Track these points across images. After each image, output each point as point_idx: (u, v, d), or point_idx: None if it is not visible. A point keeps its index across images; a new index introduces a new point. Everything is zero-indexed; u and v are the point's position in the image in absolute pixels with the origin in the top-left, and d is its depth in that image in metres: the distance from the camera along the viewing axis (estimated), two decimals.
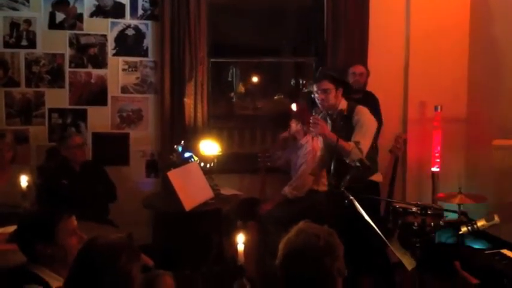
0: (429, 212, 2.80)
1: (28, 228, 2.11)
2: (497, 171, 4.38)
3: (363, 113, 3.58)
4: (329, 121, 3.65)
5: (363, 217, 2.62)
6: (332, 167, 3.50)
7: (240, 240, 2.28)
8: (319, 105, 3.63)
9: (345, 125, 3.55)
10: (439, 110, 4.67)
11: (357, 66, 4.59)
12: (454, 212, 3.12)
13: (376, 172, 3.73)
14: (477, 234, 2.59)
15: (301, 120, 4.30)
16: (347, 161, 3.44)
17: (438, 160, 4.69)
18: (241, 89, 5.73)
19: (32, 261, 2.07)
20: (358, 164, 3.04)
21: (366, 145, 3.49)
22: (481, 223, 2.53)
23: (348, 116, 3.57)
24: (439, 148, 4.69)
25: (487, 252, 3.01)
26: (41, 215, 2.15)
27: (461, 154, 5.04)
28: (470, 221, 2.57)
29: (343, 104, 3.61)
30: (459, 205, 3.76)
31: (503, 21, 4.59)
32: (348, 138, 3.47)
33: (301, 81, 5.65)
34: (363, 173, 3.29)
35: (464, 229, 2.55)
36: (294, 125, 4.34)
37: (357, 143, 3.45)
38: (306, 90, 3.54)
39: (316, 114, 3.64)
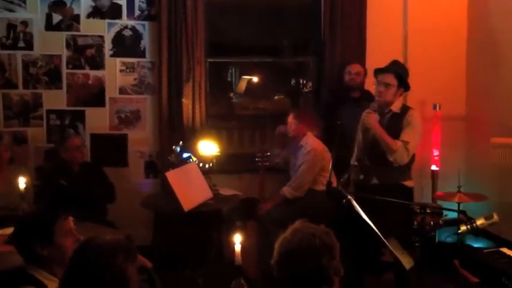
0: (428, 211, 2.79)
1: (24, 229, 2.10)
2: (496, 170, 4.38)
3: (417, 116, 3.54)
4: (378, 116, 3.58)
5: (361, 216, 2.61)
6: (365, 165, 3.51)
7: (237, 240, 2.26)
8: (376, 97, 3.55)
9: (392, 123, 3.50)
10: (437, 108, 4.67)
11: (354, 65, 4.59)
12: (454, 210, 3.11)
13: (409, 178, 3.64)
14: (476, 232, 2.58)
15: (303, 122, 4.28)
16: (389, 159, 3.42)
17: (437, 158, 4.68)
18: (240, 88, 5.72)
19: (29, 263, 2.06)
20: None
21: (413, 147, 3.45)
22: (480, 222, 2.52)
23: (399, 115, 3.51)
24: (438, 147, 4.69)
25: (486, 250, 3.01)
26: (37, 216, 2.14)
27: (461, 152, 5.04)
28: (469, 220, 2.56)
29: (397, 104, 3.55)
30: (458, 204, 3.75)
31: (501, 18, 4.58)
32: (393, 137, 3.42)
33: (301, 81, 5.65)
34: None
35: (463, 228, 2.54)
36: (294, 125, 4.31)
37: (405, 143, 3.40)
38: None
39: (370, 107, 3.56)
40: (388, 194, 3.04)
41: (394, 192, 3.29)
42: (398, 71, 3.50)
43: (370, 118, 3.47)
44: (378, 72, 3.55)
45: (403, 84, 3.53)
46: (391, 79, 3.48)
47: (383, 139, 3.41)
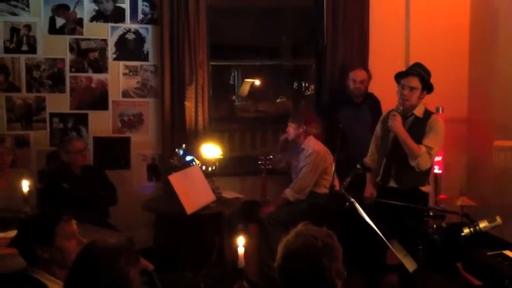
0: (431, 214, 2.79)
1: (27, 232, 2.11)
2: (498, 173, 4.36)
3: (440, 121, 3.50)
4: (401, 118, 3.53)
5: (364, 219, 2.60)
6: (383, 168, 3.51)
7: (240, 243, 2.26)
8: (400, 101, 3.48)
9: (414, 128, 3.46)
10: (440, 111, 4.66)
11: (358, 72, 4.52)
12: (456, 213, 3.11)
13: (427, 183, 3.61)
14: (479, 235, 2.57)
15: (304, 122, 4.27)
16: (411, 164, 3.38)
17: (440, 161, 4.67)
18: (243, 92, 5.73)
19: (32, 265, 2.07)
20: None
21: (436, 152, 3.42)
22: (483, 224, 2.51)
23: (422, 120, 3.48)
24: (441, 150, 4.67)
25: (489, 253, 3.00)
26: (40, 218, 2.15)
27: (463, 155, 5.02)
28: (472, 223, 2.56)
29: (420, 108, 3.51)
30: (461, 207, 3.74)
31: (503, 21, 4.58)
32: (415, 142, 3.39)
33: (303, 84, 5.66)
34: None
35: (466, 231, 2.53)
36: (292, 129, 4.32)
37: (429, 148, 3.37)
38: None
39: (395, 110, 3.50)
40: (404, 198, 3.02)
41: (411, 196, 3.28)
42: (422, 74, 3.44)
43: (395, 121, 3.41)
44: (400, 76, 3.50)
45: (427, 86, 3.48)
46: (415, 82, 3.42)
47: (407, 144, 3.36)
